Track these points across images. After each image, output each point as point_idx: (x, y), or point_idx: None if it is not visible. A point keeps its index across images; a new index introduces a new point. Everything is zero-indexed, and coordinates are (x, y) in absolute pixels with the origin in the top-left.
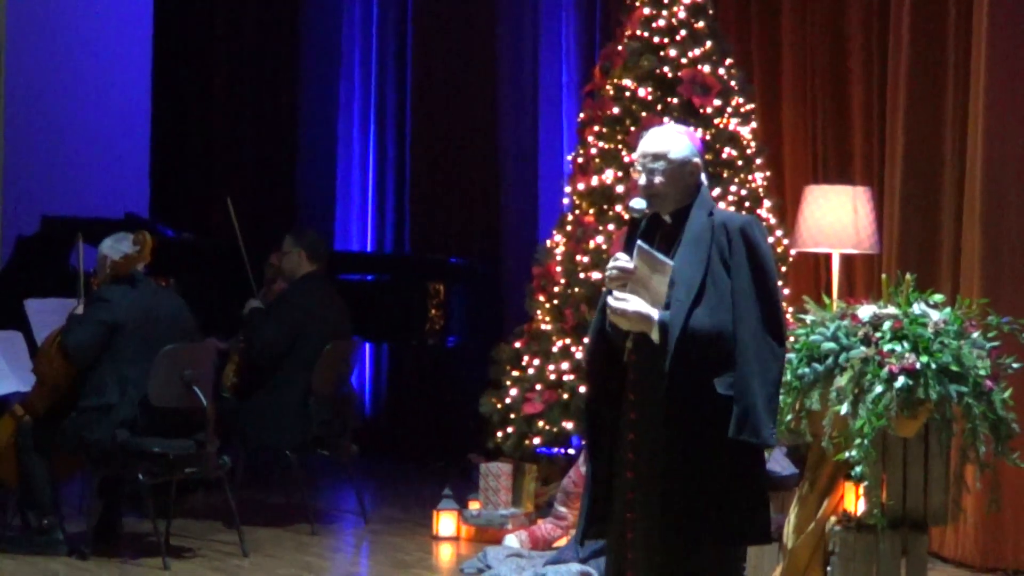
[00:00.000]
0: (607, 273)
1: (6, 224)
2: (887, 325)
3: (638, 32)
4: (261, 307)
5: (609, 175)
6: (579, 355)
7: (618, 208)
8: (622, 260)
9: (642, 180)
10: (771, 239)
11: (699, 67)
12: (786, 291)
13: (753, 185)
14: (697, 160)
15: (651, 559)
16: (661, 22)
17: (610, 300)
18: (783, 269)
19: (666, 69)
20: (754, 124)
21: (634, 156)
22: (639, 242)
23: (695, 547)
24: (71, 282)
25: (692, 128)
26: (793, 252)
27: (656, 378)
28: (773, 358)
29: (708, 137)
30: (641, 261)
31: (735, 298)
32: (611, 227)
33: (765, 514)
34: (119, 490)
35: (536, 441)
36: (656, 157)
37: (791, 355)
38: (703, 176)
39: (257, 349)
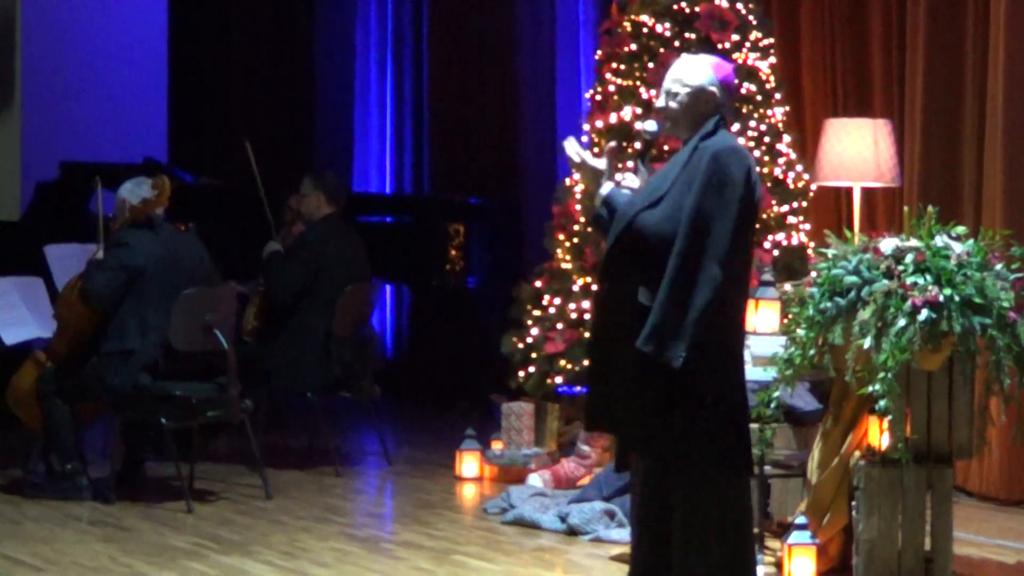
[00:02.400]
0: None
1: (25, 170)
2: (909, 258)
3: None
4: (280, 250)
5: (628, 112)
6: None
7: (637, 145)
8: (628, 179)
9: (659, 103)
10: (791, 174)
11: (716, 2)
12: (807, 226)
13: (772, 120)
14: (714, 90)
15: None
16: None
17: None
18: (804, 204)
19: (683, 5)
20: (773, 59)
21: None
22: (639, 162)
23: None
24: (90, 227)
25: (726, 61)
26: (814, 186)
27: (605, 303)
28: (708, 283)
29: None
30: (642, 181)
31: (683, 215)
32: (630, 164)
33: (681, 435)
34: (142, 434)
35: (558, 380)
36: (675, 82)
37: (813, 289)
38: (722, 105)
39: (277, 291)
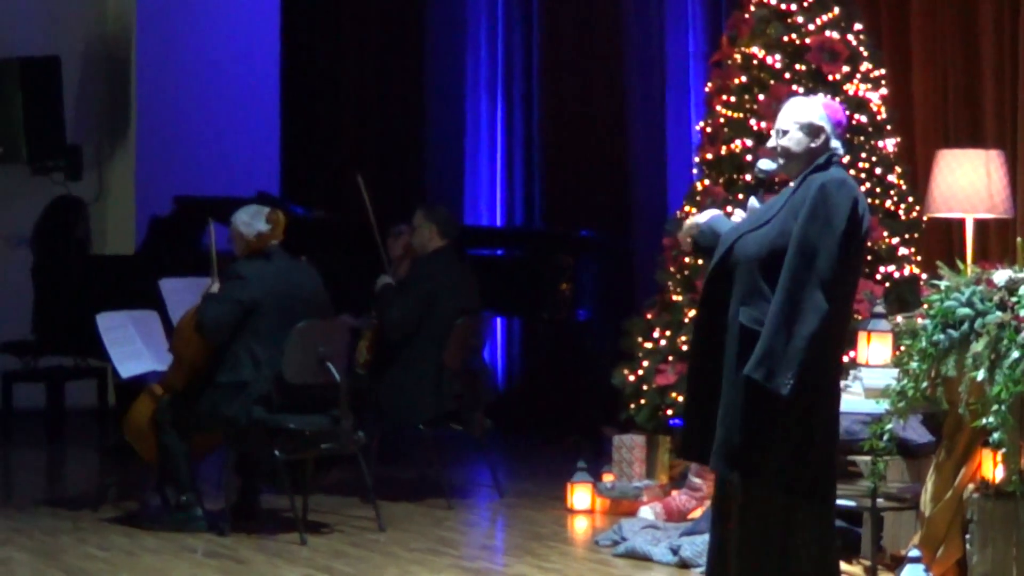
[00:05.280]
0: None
1: (140, 204)
2: (1023, 289)
3: None
4: (392, 283)
5: (738, 144)
6: None
7: (748, 177)
8: (737, 214)
9: (771, 142)
10: (903, 205)
11: (827, 33)
12: (919, 258)
13: (884, 151)
14: (825, 127)
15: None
16: None
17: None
18: (915, 236)
19: (794, 36)
20: (884, 90)
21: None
22: (752, 198)
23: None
24: (204, 261)
25: (834, 100)
26: (925, 218)
27: (702, 324)
28: (814, 311)
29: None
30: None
31: (790, 243)
32: (740, 196)
33: (778, 461)
34: (256, 467)
35: (669, 413)
36: (788, 121)
37: (926, 321)
38: (835, 145)
39: (389, 325)
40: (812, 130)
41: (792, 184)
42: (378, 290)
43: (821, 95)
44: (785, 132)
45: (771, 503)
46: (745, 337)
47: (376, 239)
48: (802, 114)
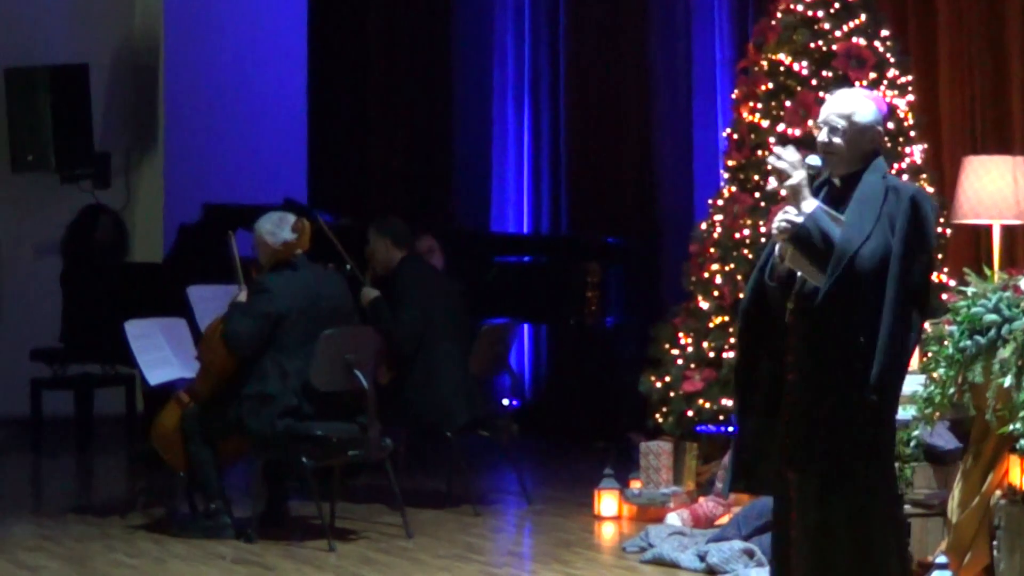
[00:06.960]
0: (776, 225)
1: (168, 212)
2: None
3: (791, 6)
4: (380, 294)
5: (765, 151)
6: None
7: (773, 183)
8: (791, 213)
9: (822, 137)
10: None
11: (854, 40)
12: (945, 268)
13: (911, 158)
14: (879, 128)
15: (803, 515)
16: None
17: (771, 159)
18: (942, 241)
19: (820, 43)
20: (911, 96)
21: (820, 114)
22: (813, 157)
23: (826, 500)
24: (232, 269)
25: (881, 95)
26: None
27: (815, 339)
28: (915, 325)
29: None
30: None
31: (892, 259)
32: (763, 204)
33: (877, 472)
34: (284, 474)
35: (696, 419)
36: (840, 117)
37: (953, 328)
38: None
39: (400, 341)
40: (867, 130)
41: (865, 188)
42: (369, 305)
43: (866, 90)
44: (840, 130)
45: (852, 503)
46: (860, 354)
47: (345, 259)
48: (858, 112)
